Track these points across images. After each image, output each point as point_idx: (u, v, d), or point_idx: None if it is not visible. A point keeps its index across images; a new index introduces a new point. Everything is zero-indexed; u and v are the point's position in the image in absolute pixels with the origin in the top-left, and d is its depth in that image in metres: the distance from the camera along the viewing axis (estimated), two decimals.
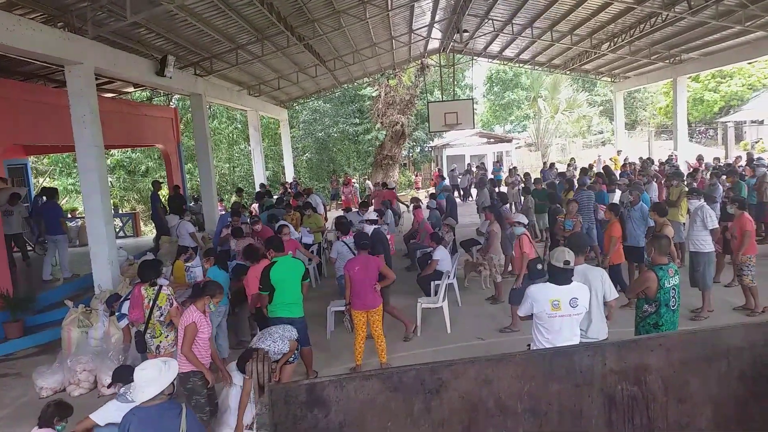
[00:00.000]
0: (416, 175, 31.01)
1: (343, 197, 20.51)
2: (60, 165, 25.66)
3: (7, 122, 9.37)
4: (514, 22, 17.43)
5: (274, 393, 2.44)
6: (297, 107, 28.67)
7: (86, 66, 8.58)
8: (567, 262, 4.32)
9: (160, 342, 5.78)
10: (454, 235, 11.09)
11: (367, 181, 27.27)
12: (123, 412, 4.24)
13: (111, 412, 4.41)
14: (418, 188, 28.47)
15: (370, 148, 30.50)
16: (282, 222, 9.89)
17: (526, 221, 8.01)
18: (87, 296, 8.50)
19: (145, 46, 11.18)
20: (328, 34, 14.88)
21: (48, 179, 24.94)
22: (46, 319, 8.77)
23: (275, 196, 15.56)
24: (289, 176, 23.69)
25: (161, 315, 5.78)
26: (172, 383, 3.45)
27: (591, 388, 2.91)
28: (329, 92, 25.78)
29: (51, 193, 11.65)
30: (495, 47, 22.00)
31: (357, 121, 30.74)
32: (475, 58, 24.43)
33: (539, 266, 7.35)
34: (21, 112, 9.73)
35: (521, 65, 25.27)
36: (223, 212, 14.38)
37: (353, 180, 24.48)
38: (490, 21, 17.77)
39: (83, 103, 8.54)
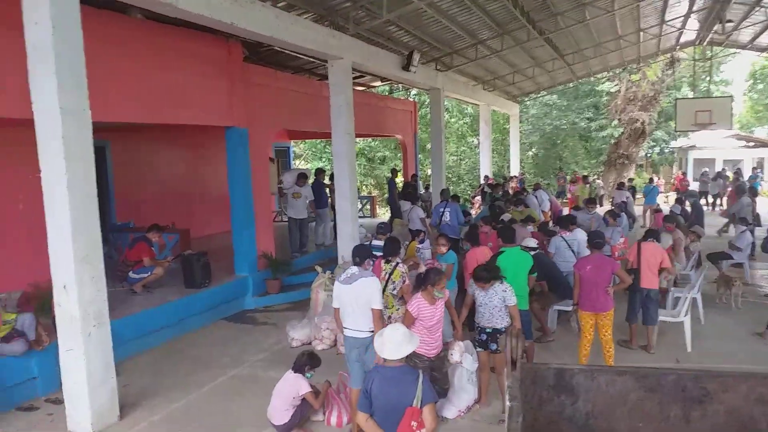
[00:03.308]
0: (658, 178, 28.34)
1: (569, 195, 19.68)
2: (313, 150, 28.99)
3: (279, 109, 10.79)
4: None
5: (523, 371, 2.50)
6: (528, 102, 28.23)
7: (345, 61, 9.54)
8: None
9: (391, 314, 6.21)
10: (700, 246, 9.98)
11: (598, 180, 25.76)
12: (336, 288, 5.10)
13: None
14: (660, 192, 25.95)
15: (603, 146, 28.71)
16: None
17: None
18: (332, 265, 9.55)
19: (393, 42, 12.02)
20: (570, 27, 14.37)
21: (302, 162, 28.38)
22: (299, 280, 10.09)
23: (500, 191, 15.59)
24: (514, 171, 23.52)
25: (394, 289, 6.23)
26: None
27: None
28: (564, 87, 24.86)
29: (318, 172, 13.12)
30: (765, 38, 18.97)
31: (590, 116, 29.16)
32: (738, 51, 21.35)
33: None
34: (289, 101, 11.08)
35: None
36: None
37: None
38: (762, 9, 15.35)
39: (340, 94, 9.53)
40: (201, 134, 12.18)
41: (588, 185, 18.97)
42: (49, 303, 5.92)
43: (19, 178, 7.33)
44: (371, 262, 5.41)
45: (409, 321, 4.98)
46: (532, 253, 7.57)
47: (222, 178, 10.05)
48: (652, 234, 7.55)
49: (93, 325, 5.23)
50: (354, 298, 5.02)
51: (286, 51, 10.30)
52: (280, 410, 5.14)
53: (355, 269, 5.15)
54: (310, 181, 12.44)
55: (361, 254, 5.29)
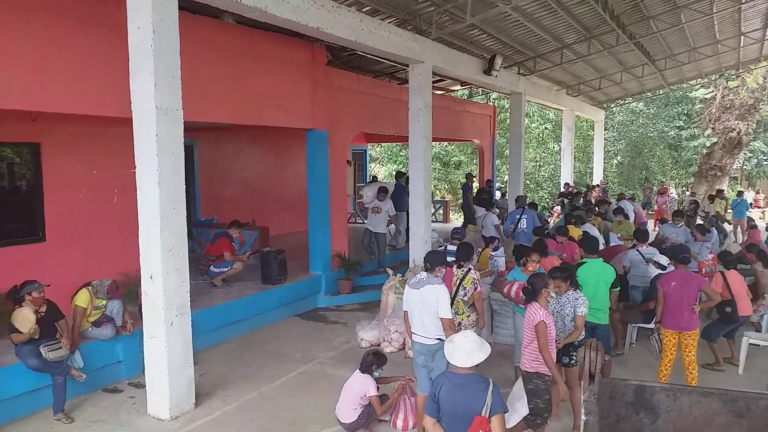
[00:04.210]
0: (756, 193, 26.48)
1: (656, 207, 18.72)
2: (388, 153, 29.22)
3: (359, 113, 10.94)
4: None
5: (601, 385, 2.40)
6: (615, 108, 27.17)
7: (426, 65, 9.54)
8: None
9: (462, 320, 6.15)
10: None
11: (687, 193, 24.43)
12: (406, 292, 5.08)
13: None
14: (758, 207, 24.24)
15: (694, 156, 27.16)
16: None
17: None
18: (403, 268, 9.58)
19: (476, 46, 11.90)
20: (662, 32, 13.70)
21: (378, 165, 28.65)
22: (370, 282, 10.22)
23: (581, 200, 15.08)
24: (597, 179, 22.68)
25: (465, 295, 6.15)
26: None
27: None
28: (653, 93, 23.73)
29: (398, 175, 13.23)
30: None
31: (681, 124, 27.64)
32: None
33: (728, 309, 6.79)
34: (369, 104, 11.23)
35: None
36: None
37: (670, 189, 22.17)
38: None
39: (420, 98, 9.54)
40: (282, 135, 12.54)
41: (724, 200, 16.64)
42: (137, 291, 6.28)
43: (115, 172, 7.81)
44: (442, 270, 5.35)
45: (544, 331, 4.54)
46: (660, 272, 7.25)
47: (301, 179, 10.30)
48: (727, 258, 7.27)
49: (175, 315, 5.50)
50: (420, 303, 5.01)
51: (369, 55, 10.43)
52: (348, 409, 5.21)
53: (424, 274, 5.14)
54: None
55: (432, 260, 5.25)
